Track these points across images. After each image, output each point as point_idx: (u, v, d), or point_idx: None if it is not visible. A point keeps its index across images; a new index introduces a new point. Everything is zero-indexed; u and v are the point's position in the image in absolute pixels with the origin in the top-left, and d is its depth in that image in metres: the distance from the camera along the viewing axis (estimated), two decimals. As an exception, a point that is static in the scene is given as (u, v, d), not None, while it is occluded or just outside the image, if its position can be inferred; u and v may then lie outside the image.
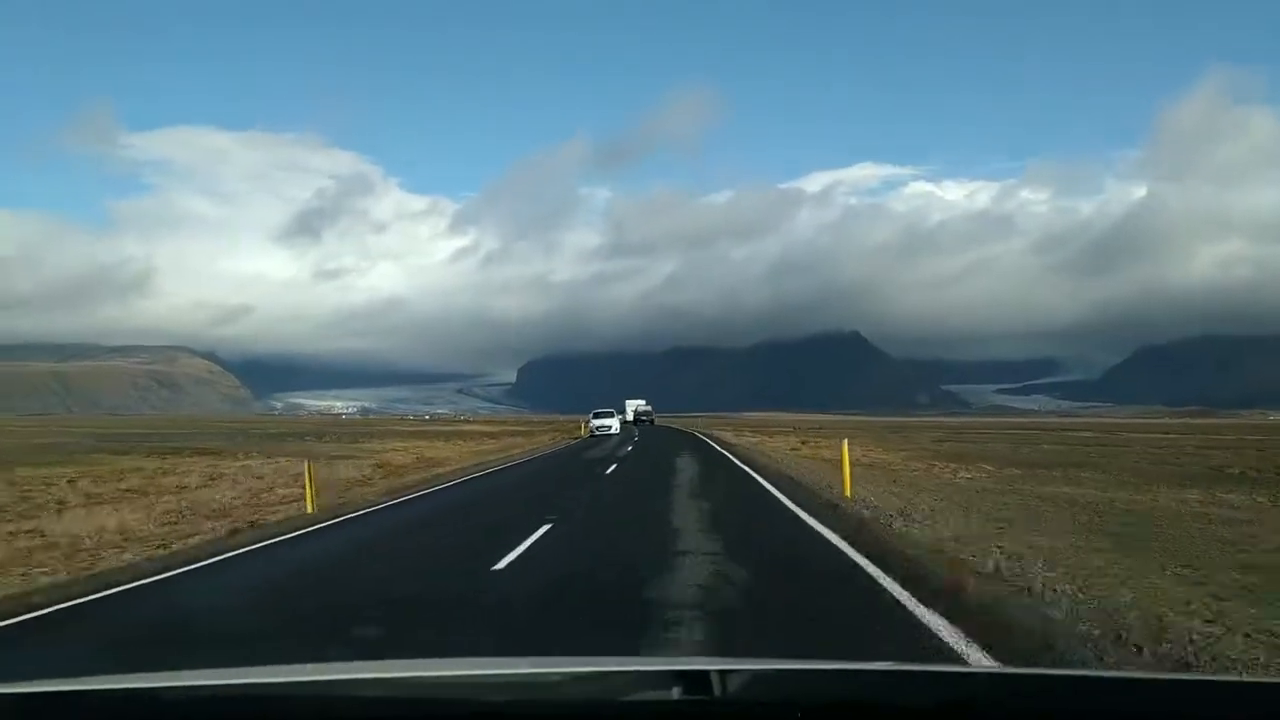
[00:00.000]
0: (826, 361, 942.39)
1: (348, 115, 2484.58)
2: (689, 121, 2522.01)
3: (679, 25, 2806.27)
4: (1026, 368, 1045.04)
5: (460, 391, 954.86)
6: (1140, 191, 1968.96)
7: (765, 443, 47.03)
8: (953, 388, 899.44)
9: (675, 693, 1.72)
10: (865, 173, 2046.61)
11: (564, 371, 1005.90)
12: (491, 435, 69.12)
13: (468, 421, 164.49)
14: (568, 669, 1.99)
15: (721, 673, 1.75)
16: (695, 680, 1.74)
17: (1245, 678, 4.82)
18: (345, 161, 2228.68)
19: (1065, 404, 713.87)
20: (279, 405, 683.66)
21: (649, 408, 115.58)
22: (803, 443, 46.32)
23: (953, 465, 28.51)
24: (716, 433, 64.51)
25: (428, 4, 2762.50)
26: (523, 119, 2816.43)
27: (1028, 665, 5.75)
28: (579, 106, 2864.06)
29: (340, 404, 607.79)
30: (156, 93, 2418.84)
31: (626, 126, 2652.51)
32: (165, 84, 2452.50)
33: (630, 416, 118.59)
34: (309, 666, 2.24)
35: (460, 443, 53.15)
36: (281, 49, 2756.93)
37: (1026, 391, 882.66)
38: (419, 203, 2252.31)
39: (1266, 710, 1.73)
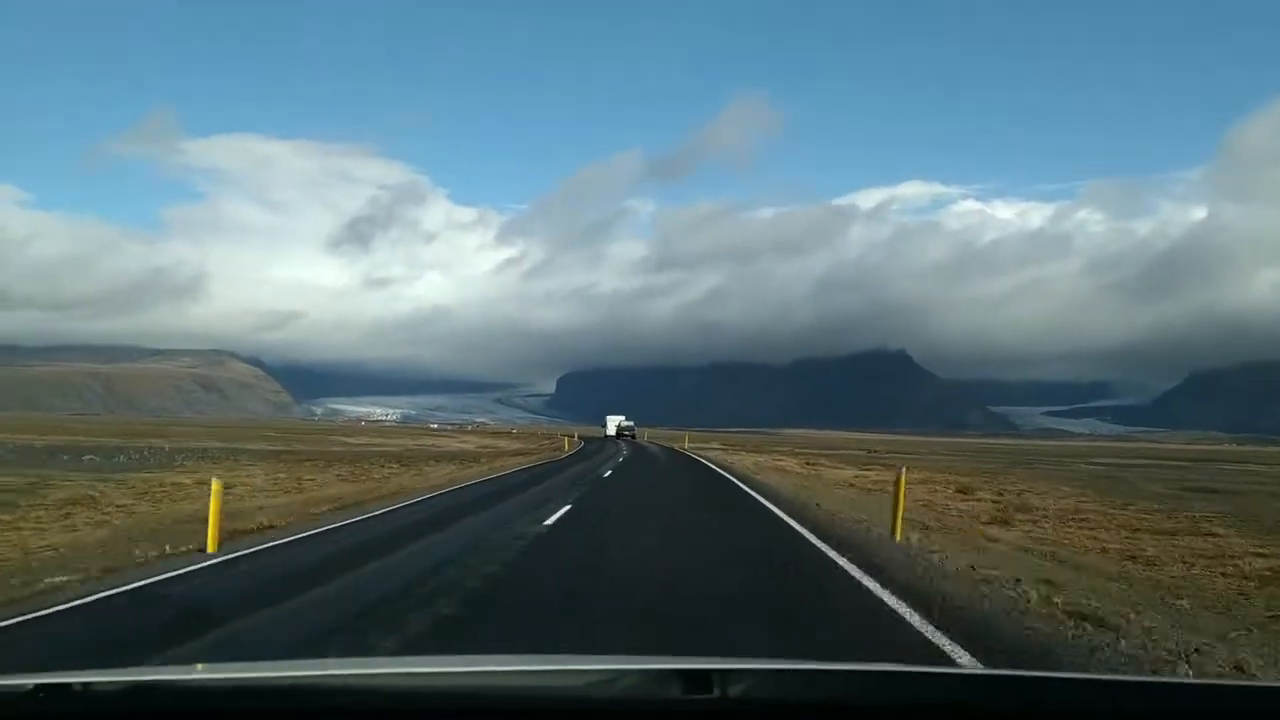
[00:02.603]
0: (871, 380, 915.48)
1: (400, 126, 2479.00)
2: (740, 137, 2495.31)
3: (733, 43, 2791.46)
4: (1076, 390, 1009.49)
5: (499, 401, 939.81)
6: (1200, 213, 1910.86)
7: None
8: (999, 409, 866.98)
9: (676, 691, 1.73)
10: (915, 190, 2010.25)
11: (604, 383, 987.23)
12: (433, 458, 47.56)
13: (463, 431, 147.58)
14: (570, 667, 1.98)
15: (722, 672, 1.76)
16: (696, 680, 1.74)
17: (1234, 681, 4.68)
18: (396, 172, 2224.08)
19: (1117, 428, 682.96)
20: (318, 411, 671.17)
21: (630, 423, 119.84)
22: (990, 499, 24.62)
23: None
24: (781, 483, 30.77)
25: (480, 19, 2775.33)
26: (573, 133, 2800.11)
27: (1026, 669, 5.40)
28: (631, 121, 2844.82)
29: (380, 410, 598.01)
30: (211, 100, 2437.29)
31: (678, 141, 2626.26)
32: (220, 92, 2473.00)
33: (612, 431, 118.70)
34: (312, 662, 2.27)
35: (326, 477, 32.67)
36: (336, 60, 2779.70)
37: (1075, 414, 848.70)
38: (467, 214, 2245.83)
39: (1253, 712, 1.74)
